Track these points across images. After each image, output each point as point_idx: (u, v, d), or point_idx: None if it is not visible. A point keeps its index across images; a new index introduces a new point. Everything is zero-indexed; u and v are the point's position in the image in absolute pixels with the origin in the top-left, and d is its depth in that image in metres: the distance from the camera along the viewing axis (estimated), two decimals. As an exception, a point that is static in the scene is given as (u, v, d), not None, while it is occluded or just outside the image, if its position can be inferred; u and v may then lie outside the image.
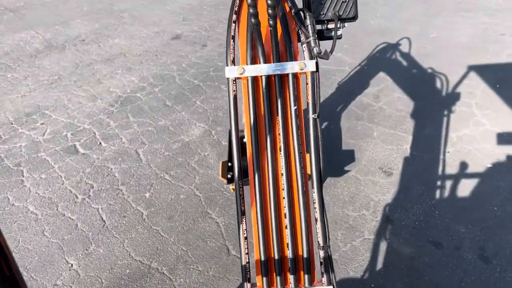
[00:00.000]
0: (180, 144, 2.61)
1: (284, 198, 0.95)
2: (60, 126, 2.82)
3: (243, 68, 0.94)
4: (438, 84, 3.05)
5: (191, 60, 3.59)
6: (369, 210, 2.07)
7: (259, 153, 0.96)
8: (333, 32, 1.05)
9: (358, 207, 2.10)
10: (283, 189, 0.96)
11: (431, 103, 2.86)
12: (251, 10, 0.84)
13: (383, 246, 1.88)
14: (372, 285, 1.73)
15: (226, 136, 2.64)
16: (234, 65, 0.98)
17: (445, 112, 2.75)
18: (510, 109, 2.73)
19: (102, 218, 2.11)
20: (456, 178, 2.24)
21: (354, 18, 1.09)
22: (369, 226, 1.98)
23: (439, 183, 2.22)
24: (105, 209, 2.16)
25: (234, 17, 1.03)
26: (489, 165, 2.30)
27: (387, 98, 2.96)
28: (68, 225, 2.07)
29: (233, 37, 1.01)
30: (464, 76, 3.11)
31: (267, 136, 0.96)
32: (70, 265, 1.88)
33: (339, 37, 1.08)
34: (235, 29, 1.02)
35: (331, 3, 1.07)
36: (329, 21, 1.09)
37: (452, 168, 2.31)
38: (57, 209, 2.17)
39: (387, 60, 3.46)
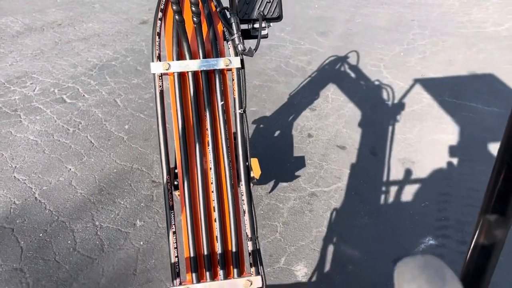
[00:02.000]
0: (150, 95, 3.23)
1: (213, 192, 0.96)
2: (48, 84, 3.37)
3: (168, 64, 0.95)
4: (357, 54, 3.84)
5: (157, 38, 4.23)
6: (297, 131, 2.78)
7: (187, 148, 0.96)
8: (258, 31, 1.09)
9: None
10: (211, 183, 0.96)
11: (350, 65, 3.63)
12: (174, 7, 0.86)
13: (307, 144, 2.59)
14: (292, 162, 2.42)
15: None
16: (160, 61, 0.98)
17: (360, 71, 3.53)
18: (407, 68, 3.55)
19: (91, 142, 2.69)
20: (360, 105, 2.99)
21: (278, 18, 1.12)
22: (296, 137, 2.69)
23: (347, 110, 2.96)
24: (93, 136, 2.75)
25: (160, 14, 1.04)
26: (386, 98, 3.08)
27: (317, 63, 3.72)
28: (63, 147, 2.65)
29: (159, 34, 1.01)
30: (378, 48, 3.93)
31: (195, 131, 0.96)
32: (69, 169, 2.46)
33: (265, 36, 1.12)
34: (160, 26, 1.03)
35: (256, 3, 1.11)
36: (255, 20, 1.12)
37: (360, 100, 3.07)
38: (53, 137, 2.74)
39: (320, 39, 4.23)
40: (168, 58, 0.99)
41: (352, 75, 3.48)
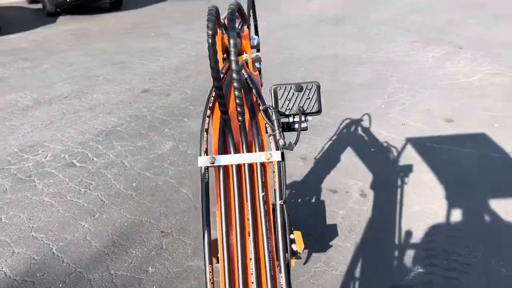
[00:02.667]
0: (155, 155, 3.50)
1: (253, 283, 0.96)
2: (58, 151, 3.64)
3: (214, 158, 1.00)
4: (344, 103, 4.18)
5: (158, 105, 4.57)
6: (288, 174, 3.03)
7: (229, 238, 0.98)
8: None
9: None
10: (251, 274, 0.96)
11: (334, 119, 3.95)
12: (221, 108, 0.91)
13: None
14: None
15: (190, 148, 3.56)
16: (207, 155, 1.02)
17: (346, 123, 3.84)
18: (389, 119, 3.87)
19: (102, 200, 2.91)
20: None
21: (318, 112, 1.19)
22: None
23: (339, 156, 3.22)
24: (103, 194, 2.97)
25: (208, 112, 1.09)
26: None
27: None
28: (76, 206, 2.86)
29: (207, 130, 1.06)
30: (362, 101, 4.28)
31: (237, 221, 0.98)
32: (83, 225, 2.66)
33: (305, 129, 1.18)
34: (208, 122, 1.07)
35: (296, 99, 1.17)
36: (295, 115, 1.18)
37: (348, 148, 3.34)
38: (66, 197, 2.96)
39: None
40: (213, 152, 1.04)
41: (338, 127, 3.78)
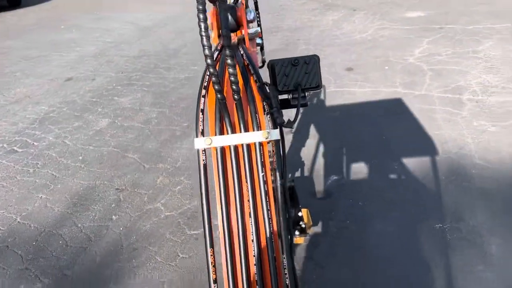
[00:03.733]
0: (94, 131, 3.74)
1: (255, 265, 0.95)
2: (-5, 142, 3.74)
3: (211, 139, 0.97)
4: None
5: (85, 89, 4.75)
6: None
7: (229, 220, 0.97)
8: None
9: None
10: (254, 256, 0.96)
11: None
12: (215, 87, 0.89)
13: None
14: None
15: (126, 121, 3.85)
16: (203, 136, 1.00)
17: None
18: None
19: (53, 174, 3.14)
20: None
21: (318, 87, 1.14)
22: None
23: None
24: (53, 170, 3.20)
25: (203, 92, 1.06)
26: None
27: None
28: (29, 183, 3.06)
29: (202, 111, 1.03)
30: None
31: (237, 203, 0.97)
32: (40, 196, 2.89)
33: (305, 105, 1.14)
34: (204, 102, 1.05)
35: (294, 75, 1.12)
36: (293, 91, 1.14)
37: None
38: (16, 178, 3.14)
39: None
40: (210, 133, 1.01)
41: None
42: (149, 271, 2.17)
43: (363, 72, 4.29)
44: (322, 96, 3.84)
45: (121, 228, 2.50)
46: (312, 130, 3.31)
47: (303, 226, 1.59)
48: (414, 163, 2.73)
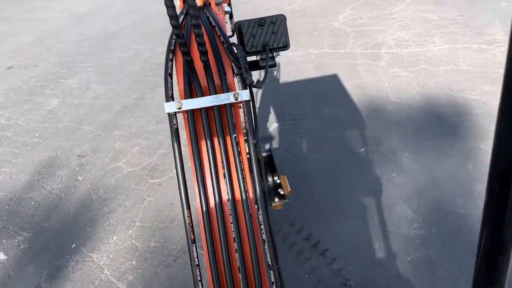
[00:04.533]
0: (46, 111, 3.88)
1: (232, 223, 0.97)
2: None
3: (180, 102, 0.97)
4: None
5: (30, 75, 4.81)
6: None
7: (204, 182, 0.98)
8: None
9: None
10: (230, 215, 0.97)
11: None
12: (181, 49, 0.88)
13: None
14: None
15: (76, 99, 4.02)
16: (173, 100, 0.99)
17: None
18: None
19: (12, 151, 3.29)
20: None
21: (285, 47, 1.13)
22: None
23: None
24: (12, 147, 3.34)
25: (171, 55, 1.05)
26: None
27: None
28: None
29: (170, 75, 1.02)
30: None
31: (211, 165, 0.98)
32: (4, 170, 3.05)
33: (274, 66, 1.13)
34: (171, 66, 1.04)
35: (261, 35, 1.11)
36: (261, 51, 1.13)
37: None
38: None
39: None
40: (180, 97, 1.01)
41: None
42: (121, 214, 2.46)
43: (294, 38, 4.70)
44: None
45: (89, 186, 2.75)
46: (254, 89, 3.68)
47: (282, 192, 1.65)
48: (341, 106, 3.18)
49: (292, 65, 4.01)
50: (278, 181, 1.73)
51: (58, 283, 2.08)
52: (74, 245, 2.29)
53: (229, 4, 1.81)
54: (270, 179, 1.79)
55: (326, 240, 2.07)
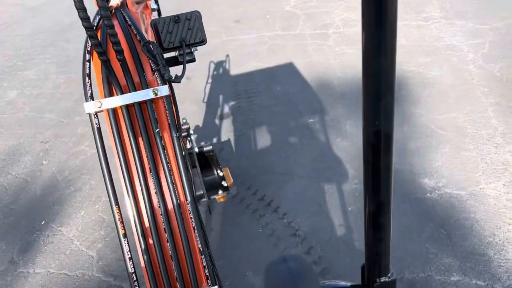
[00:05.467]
0: (5, 102, 3.92)
1: (161, 215, 0.99)
2: None
3: (100, 102, 0.98)
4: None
5: (-15, 69, 4.79)
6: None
7: (131, 178, 0.99)
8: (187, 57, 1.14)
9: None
10: (159, 207, 0.99)
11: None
12: (96, 49, 0.89)
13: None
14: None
15: (35, 89, 4.06)
16: (93, 100, 1.00)
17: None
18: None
19: None
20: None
21: (202, 42, 1.16)
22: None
23: None
24: None
25: (88, 56, 1.07)
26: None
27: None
28: None
29: (88, 75, 1.04)
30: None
31: (136, 161, 0.99)
32: None
33: (192, 60, 1.16)
34: (89, 67, 1.05)
35: (178, 31, 1.13)
36: (179, 47, 1.14)
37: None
38: None
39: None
40: (100, 96, 1.02)
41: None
42: (87, 192, 2.60)
43: (248, 22, 4.89)
44: (217, 45, 4.37)
45: (54, 168, 2.86)
46: (211, 71, 3.86)
47: (226, 184, 1.70)
48: (292, 84, 3.40)
49: (247, 48, 4.20)
50: (221, 173, 1.80)
51: (30, 256, 2.21)
52: (44, 222, 2.42)
53: (156, 2, 1.82)
54: (214, 172, 1.88)
55: (278, 199, 2.29)
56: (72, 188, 2.64)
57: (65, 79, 4.21)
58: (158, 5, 1.86)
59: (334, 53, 3.76)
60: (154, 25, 1.12)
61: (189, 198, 0.99)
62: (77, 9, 0.84)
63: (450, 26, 3.83)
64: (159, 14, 1.91)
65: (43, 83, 4.21)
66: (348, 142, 2.63)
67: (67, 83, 4.10)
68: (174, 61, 1.17)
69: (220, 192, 1.84)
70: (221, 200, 1.93)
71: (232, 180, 1.79)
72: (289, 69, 3.64)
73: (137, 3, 1.42)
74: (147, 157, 0.99)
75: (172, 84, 1.03)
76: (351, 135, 2.69)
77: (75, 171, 2.80)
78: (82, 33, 3.66)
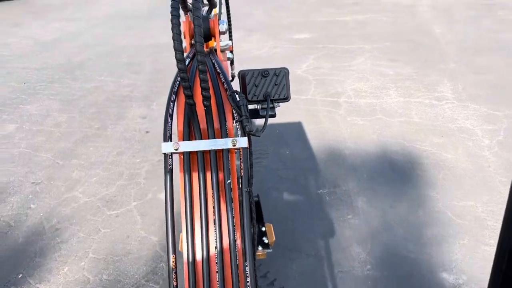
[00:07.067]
0: (0, 136, 3.76)
1: (217, 272, 0.95)
2: None
3: (178, 144, 0.97)
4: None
5: None
6: (135, 132, 3.74)
7: (193, 226, 0.97)
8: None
9: (129, 132, 3.74)
10: (216, 263, 0.95)
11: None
12: (185, 92, 0.91)
13: (145, 140, 3.57)
14: (142, 152, 3.36)
15: (35, 125, 3.92)
16: (171, 141, 1.00)
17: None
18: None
19: None
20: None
21: (286, 98, 1.16)
22: (137, 137, 3.64)
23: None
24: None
25: (173, 97, 1.07)
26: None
27: (138, 92, 4.76)
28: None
29: (171, 116, 1.03)
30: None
31: (202, 210, 0.97)
32: None
33: (273, 116, 1.15)
34: (173, 107, 1.05)
35: (264, 86, 1.14)
36: (262, 101, 1.15)
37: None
38: None
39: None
40: (178, 138, 1.03)
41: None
42: (74, 245, 2.39)
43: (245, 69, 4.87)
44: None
45: (41, 214, 2.66)
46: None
47: (266, 241, 1.63)
48: (301, 149, 3.29)
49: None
50: (264, 229, 1.69)
51: (-1, 315, 1.97)
52: (21, 275, 2.19)
53: (231, 51, 1.85)
54: (256, 226, 1.79)
55: (282, 279, 2.10)
56: (58, 239, 2.43)
57: (67, 118, 4.08)
58: (232, 55, 1.87)
59: (346, 122, 3.70)
60: (242, 76, 1.14)
61: (248, 259, 0.95)
62: (175, 50, 0.84)
63: (463, 109, 3.81)
64: (232, 63, 1.93)
65: (44, 119, 4.08)
66: (360, 221, 2.47)
67: (68, 123, 3.97)
68: (253, 113, 1.17)
69: (259, 248, 1.65)
70: (260, 257, 1.73)
71: (274, 238, 1.66)
72: (299, 133, 3.55)
73: (221, 51, 1.45)
74: (213, 207, 0.97)
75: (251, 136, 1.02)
76: (363, 213, 2.53)
77: (64, 219, 2.60)
78: (90, 73, 3.63)
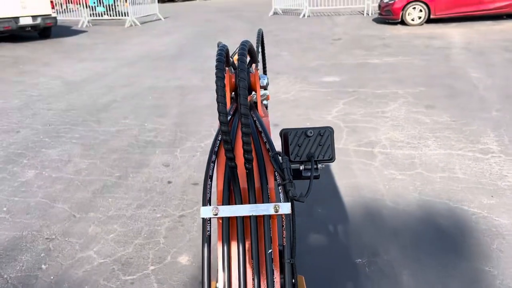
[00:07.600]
0: (19, 182, 3.63)
1: None
2: None
3: (218, 208, 0.93)
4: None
5: (9, 141, 4.60)
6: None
7: None
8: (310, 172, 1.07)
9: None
10: None
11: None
12: (227, 155, 0.86)
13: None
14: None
15: (54, 172, 3.78)
16: (210, 204, 0.95)
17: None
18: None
19: None
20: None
21: (331, 159, 1.11)
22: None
23: None
24: None
25: (213, 157, 1.01)
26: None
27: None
28: None
29: (211, 177, 0.99)
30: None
31: (241, 280, 0.90)
32: None
33: (317, 177, 1.09)
34: (213, 169, 1.00)
35: (307, 146, 1.09)
36: (306, 162, 1.10)
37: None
38: None
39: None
40: (217, 201, 0.97)
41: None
42: (83, 317, 2.14)
43: (286, 125, 4.66)
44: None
45: (52, 277, 2.44)
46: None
47: None
48: (335, 207, 3.02)
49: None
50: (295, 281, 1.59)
51: None
52: None
53: (268, 100, 1.82)
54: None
55: None
56: (66, 310, 2.20)
57: (88, 164, 3.94)
58: (267, 102, 1.83)
59: (383, 176, 3.41)
60: (284, 135, 1.10)
61: None
62: (219, 112, 0.80)
63: (513, 164, 3.48)
64: (265, 109, 1.84)
65: (64, 165, 3.94)
66: (406, 300, 2.15)
67: (89, 170, 3.82)
68: (296, 174, 1.10)
69: None
70: None
71: None
72: (332, 189, 3.28)
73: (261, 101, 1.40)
74: (253, 279, 0.91)
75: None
76: (408, 289, 2.22)
77: (75, 284, 2.37)
78: (115, 115, 3.44)
